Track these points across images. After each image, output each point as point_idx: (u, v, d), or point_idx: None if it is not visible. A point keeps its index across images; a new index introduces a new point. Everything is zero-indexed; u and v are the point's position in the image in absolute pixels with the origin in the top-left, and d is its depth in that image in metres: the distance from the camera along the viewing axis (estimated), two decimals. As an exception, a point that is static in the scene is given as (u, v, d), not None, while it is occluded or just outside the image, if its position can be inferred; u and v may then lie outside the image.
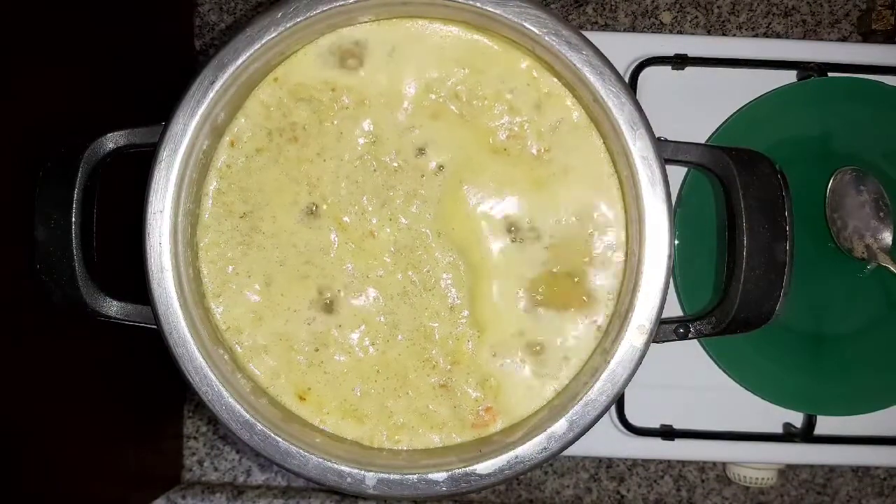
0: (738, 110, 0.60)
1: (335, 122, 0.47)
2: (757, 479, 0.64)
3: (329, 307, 0.47)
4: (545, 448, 0.43)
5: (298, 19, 0.43)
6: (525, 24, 0.43)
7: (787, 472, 0.75)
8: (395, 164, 0.47)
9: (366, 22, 0.46)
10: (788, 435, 0.62)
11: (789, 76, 0.61)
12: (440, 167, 0.47)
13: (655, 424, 0.62)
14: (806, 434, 0.61)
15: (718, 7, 0.75)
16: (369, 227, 0.47)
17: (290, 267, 0.47)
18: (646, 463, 0.75)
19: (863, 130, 0.60)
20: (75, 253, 0.45)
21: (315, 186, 0.47)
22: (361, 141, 0.47)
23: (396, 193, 0.47)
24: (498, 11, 0.43)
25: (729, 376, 0.61)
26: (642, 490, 0.75)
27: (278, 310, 0.47)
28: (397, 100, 0.47)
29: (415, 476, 0.44)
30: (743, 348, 0.60)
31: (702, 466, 0.75)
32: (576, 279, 0.47)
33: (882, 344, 0.61)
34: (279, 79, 0.47)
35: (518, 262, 0.47)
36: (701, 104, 0.61)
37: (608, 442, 0.63)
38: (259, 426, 0.44)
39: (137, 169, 0.44)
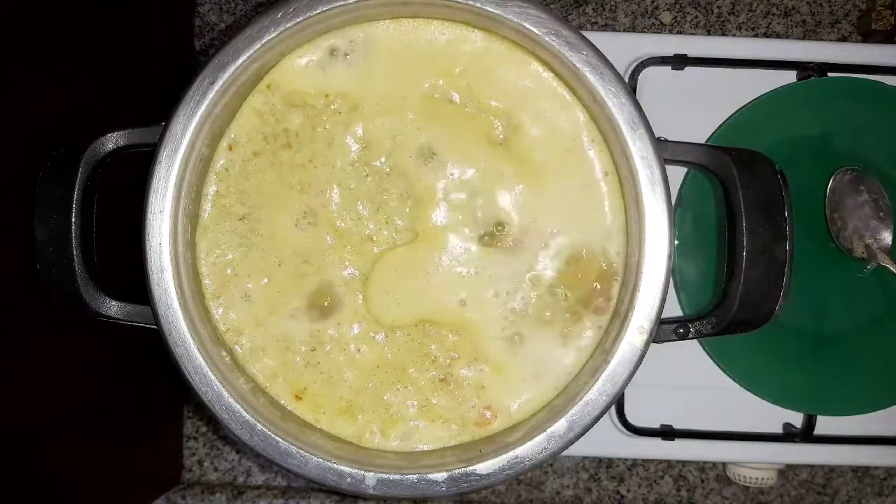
0: (737, 110, 0.60)
1: (327, 128, 0.47)
2: (757, 479, 0.64)
3: (328, 306, 0.47)
4: (545, 448, 0.43)
5: (298, 19, 0.43)
6: (525, 25, 0.43)
7: (787, 472, 0.75)
8: (388, 169, 0.47)
9: (365, 22, 0.46)
10: (788, 435, 0.62)
11: (789, 76, 0.61)
12: (432, 167, 0.47)
13: (655, 424, 0.62)
14: (806, 434, 0.61)
15: (718, 7, 0.74)
16: (367, 231, 0.47)
17: (288, 267, 0.47)
18: (646, 463, 0.75)
19: (863, 130, 0.60)
20: (75, 253, 0.45)
21: (308, 193, 0.47)
22: (353, 147, 0.47)
23: (390, 196, 0.47)
24: (498, 12, 0.43)
25: (729, 376, 0.61)
26: (642, 490, 0.75)
27: (277, 309, 0.47)
28: (392, 102, 0.47)
29: (415, 476, 0.44)
30: (743, 348, 0.60)
31: (702, 466, 0.75)
32: (573, 279, 0.47)
33: (882, 344, 0.61)
34: (272, 85, 0.46)
35: (511, 261, 0.47)
36: (701, 104, 0.61)
37: (608, 442, 0.63)
38: (259, 426, 0.44)
39: (137, 169, 0.44)
